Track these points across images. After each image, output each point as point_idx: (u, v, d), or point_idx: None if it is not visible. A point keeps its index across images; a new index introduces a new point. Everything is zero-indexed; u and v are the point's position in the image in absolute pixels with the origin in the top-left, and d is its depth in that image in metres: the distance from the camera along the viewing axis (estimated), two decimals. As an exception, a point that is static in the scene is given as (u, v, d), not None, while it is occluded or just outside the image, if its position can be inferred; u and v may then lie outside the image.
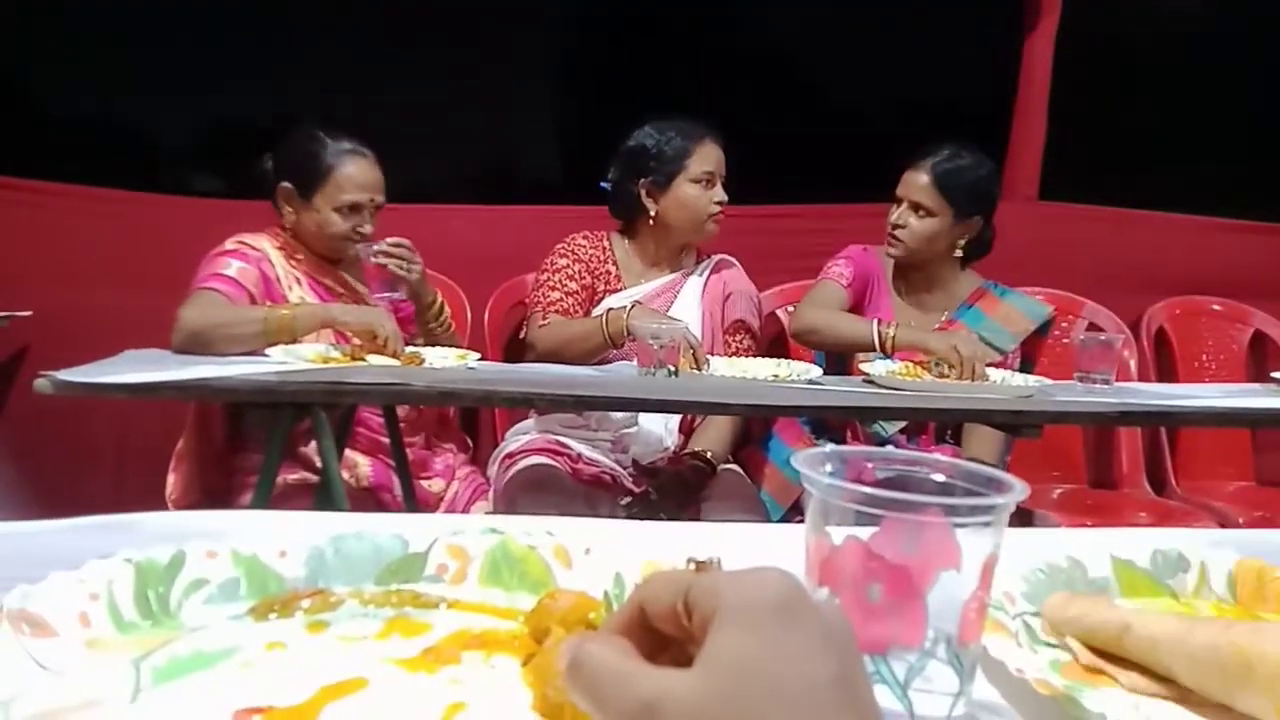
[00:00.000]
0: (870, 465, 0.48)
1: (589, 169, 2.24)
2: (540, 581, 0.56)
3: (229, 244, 1.86)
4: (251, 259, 1.85)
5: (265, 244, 1.90)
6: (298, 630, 0.51)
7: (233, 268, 1.81)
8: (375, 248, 1.83)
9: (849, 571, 0.42)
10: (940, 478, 0.46)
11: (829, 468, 0.46)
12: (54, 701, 0.41)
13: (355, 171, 1.88)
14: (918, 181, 2.07)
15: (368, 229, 1.90)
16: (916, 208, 2.07)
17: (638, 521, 0.68)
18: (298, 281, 1.91)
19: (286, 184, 1.90)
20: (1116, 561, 0.62)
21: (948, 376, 1.76)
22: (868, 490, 0.41)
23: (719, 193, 2.07)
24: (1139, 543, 0.64)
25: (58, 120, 3.40)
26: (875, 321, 1.96)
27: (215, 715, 0.41)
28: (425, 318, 2.00)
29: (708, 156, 2.06)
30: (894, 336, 1.92)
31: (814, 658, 0.29)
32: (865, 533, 0.43)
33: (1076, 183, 2.94)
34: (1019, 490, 0.42)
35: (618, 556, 0.55)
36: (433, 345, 1.97)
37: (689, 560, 0.36)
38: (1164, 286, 2.86)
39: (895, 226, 2.09)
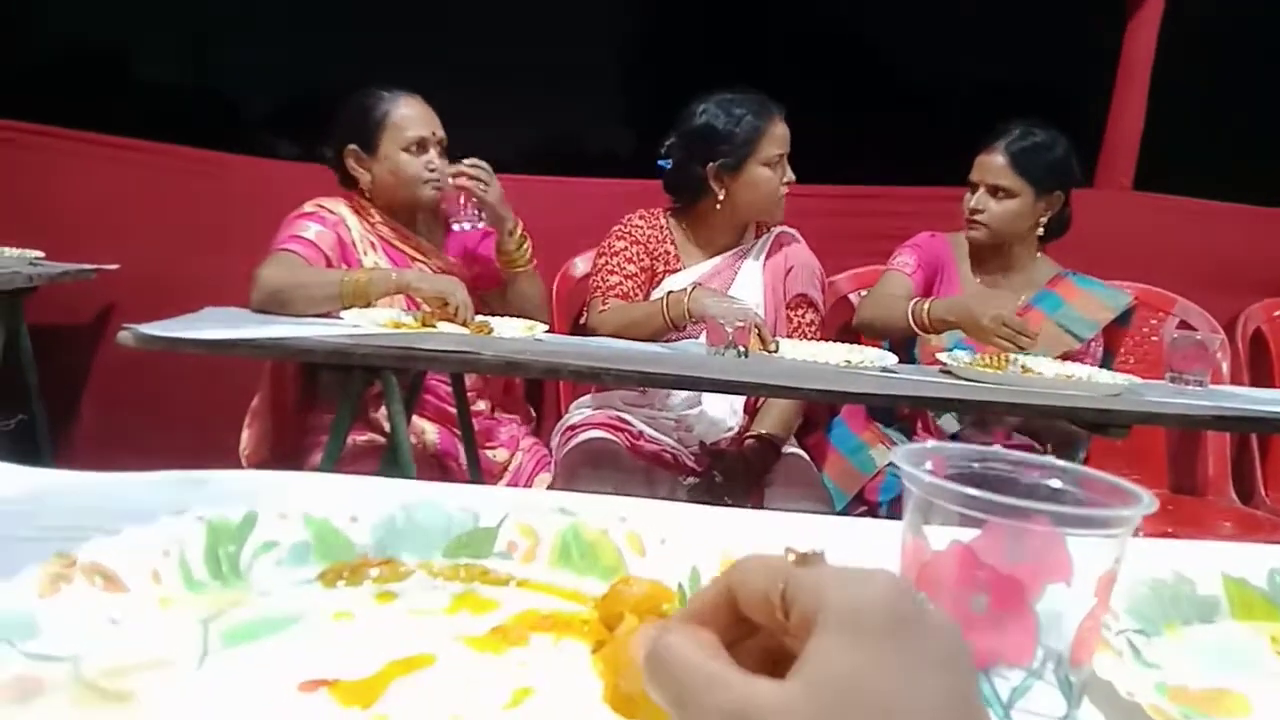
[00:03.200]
0: (945, 461, 0.44)
1: (657, 141, 2.19)
2: (612, 567, 0.54)
3: (307, 207, 1.88)
4: (329, 223, 1.87)
5: (342, 208, 1.91)
6: (366, 600, 0.50)
7: (311, 230, 1.83)
8: (452, 169, 1.84)
9: (952, 578, 0.39)
10: (1056, 482, 0.43)
11: (929, 464, 0.42)
12: (123, 659, 0.41)
13: (410, 110, 1.91)
14: (994, 164, 2.01)
15: (438, 164, 1.90)
16: (995, 190, 2.01)
17: (712, 507, 0.65)
18: (373, 246, 1.92)
19: (352, 145, 1.92)
20: (1228, 580, 0.57)
21: (1000, 346, 1.73)
22: (982, 495, 0.38)
23: (788, 172, 2.01)
24: (1254, 560, 0.59)
25: (149, 81, 3.49)
26: (912, 301, 1.91)
27: (281, 684, 0.40)
28: (508, 246, 1.96)
29: (778, 136, 1.99)
30: (928, 310, 1.87)
31: (927, 676, 0.26)
32: (968, 535, 0.40)
33: (1176, 174, 2.80)
34: (1146, 503, 0.38)
35: (694, 548, 0.53)
36: (516, 284, 2.00)
37: (788, 550, 0.33)
38: (1263, 286, 2.71)
39: (974, 212, 2.03)
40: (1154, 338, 2.48)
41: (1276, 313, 2.67)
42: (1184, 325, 2.49)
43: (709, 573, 0.50)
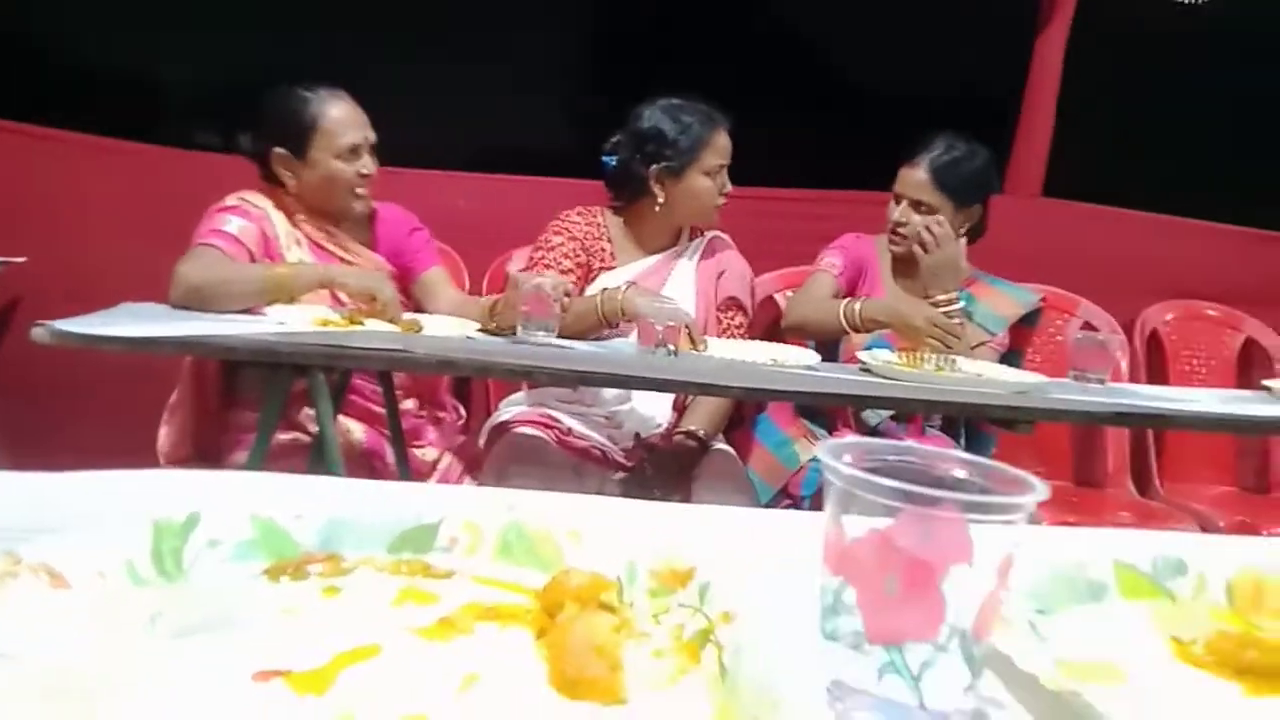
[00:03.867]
0: (864, 455, 0.48)
1: (597, 142, 2.21)
2: (552, 560, 0.56)
3: (230, 200, 1.84)
4: (253, 216, 1.83)
5: (266, 202, 1.88)
6: (312, 595, 0.51)
7: (233, 224, 1.79)
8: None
9: (868, 563, 0.43)
10: (961, 473, 0.47)
11: (848, 458, 0.46)
12: (70, 658, 0.41)
13: (341, 113, 1.85)
14: (916, 178, 2.08)
15: (369, 168, 1.88)
16: (917, 204, 2.08)
17: (644, 502, 0.68)
18: (297, 243, 1.89)
19: (279, 149, 1.85)
20: (1118, 564, 0.63)
21: (931, 345, 1.81)
22: (894, 484, 0.41)
23: (726, 182, 2.07)
24: (1141, 546, 0.65)
25: (63, 67, 3.35)
26: (842, 302, 1.99)
27: (233, 676, 0.41)
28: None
29: (721, 148, 2.05)
30: (859, 311, 1.96)
31: None
32: (883, 523, 0.43)
33: (1085, 181, 2.94)
34: (1040, 491, 0.43)
35: (629, 541, 0.55)
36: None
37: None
38: (1159, 289, 2.88)
39: (898, 224, 2.10)
40: (1059, 337, 2.62)
41: (1170, 315, 2.84)
42: (1087, 326, 2.62)
43: (645, 567, 0.53)
